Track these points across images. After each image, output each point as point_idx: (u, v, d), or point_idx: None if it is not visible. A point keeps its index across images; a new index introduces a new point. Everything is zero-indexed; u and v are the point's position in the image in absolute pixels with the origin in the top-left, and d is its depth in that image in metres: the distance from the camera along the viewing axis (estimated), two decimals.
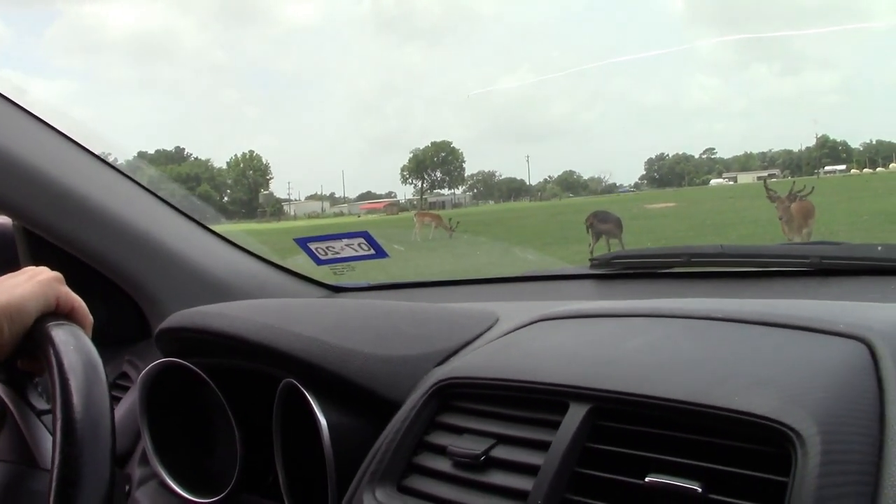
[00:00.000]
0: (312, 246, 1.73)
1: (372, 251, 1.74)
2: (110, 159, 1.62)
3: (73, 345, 0.88)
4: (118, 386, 1.53)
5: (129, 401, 1.39)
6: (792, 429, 0.69)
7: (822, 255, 1.32)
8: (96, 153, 1.59)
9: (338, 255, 1.75)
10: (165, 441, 1.35)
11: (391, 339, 1.20)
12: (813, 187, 11.09)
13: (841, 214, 15.07)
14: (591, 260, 1.65)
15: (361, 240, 1.73)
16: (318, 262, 1.75)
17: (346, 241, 1.73)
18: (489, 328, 1.23)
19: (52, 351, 0.87)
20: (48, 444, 1.00)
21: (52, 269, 1.56)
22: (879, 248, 1.30)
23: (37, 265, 1.55)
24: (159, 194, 1.66)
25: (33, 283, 0.93)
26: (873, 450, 0.68)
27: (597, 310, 1.10)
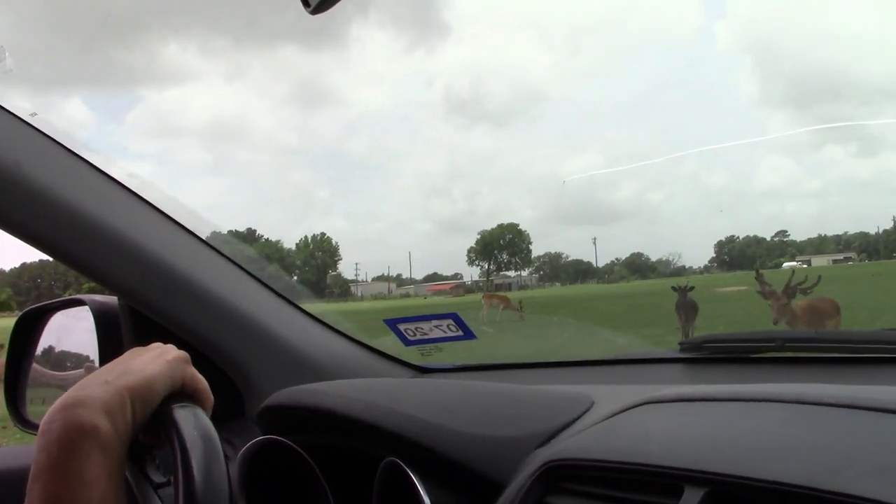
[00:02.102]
0: (402, 327, 1.76)
1: (460, 332, 1.76)
2: None
3: (194, 425, 0.91)
4: None
5: None
6: None
7: None
8: (195, 232, 1.65)
9: (426, 336, 1.77)
10: None
11: (492, 420, 1.21)
12: (819, 277, 8.17)
13: None
14: (680, 344, 1.64)
15: (450, 321, 1.75)
16: (407, 342, 1.78)
17: (435, 322, 1.75)
18: (586, 411, 1.23)
19: (175, 434, 0.90)
20: None
21: None
22: None
23: (139, 344, 1.61)
24: (255, 273, 1.71)
25: (162, 362, 0.95)
26: None
27: (702, 394, 1.09)
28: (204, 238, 1.67)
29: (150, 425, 0.94)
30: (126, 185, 1.55)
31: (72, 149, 1.48)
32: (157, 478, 1.06)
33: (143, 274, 1.50)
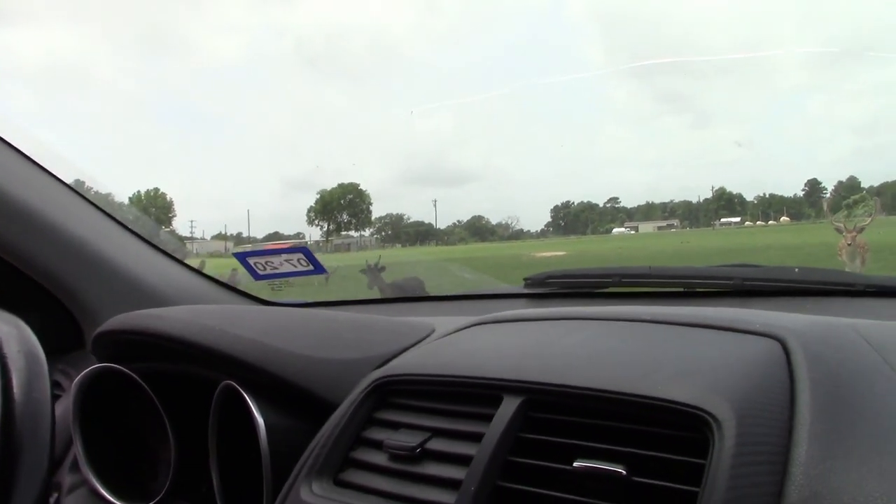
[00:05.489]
0: (251, 260, 1.73)
1: (311, 267, 1.75)
2: None
3: (17, 340, 0.88)
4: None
5: (62, 408, 1.37)
6: (710, 414, 0.76)
7: (744, 276, 1.42)
8: (30, 156, 1.57)
9: (276, 271, 1.74)
10: (98, 448, 1.34)
11: (331, 344, 1.23)
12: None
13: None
14: (525, 279, 1.71)
15: (301, 255, 1.74)
16: (257, 277, 1.75)
17: (285, 256, 1.74)
18: (426, 337, 1.28)
19: None
20: None
21: None
22: (797, 270, 1.41)
23: None
24: (94, 201, 1.65)
25: None
26: (783, 434, 0.75)
27: (529, 314, 1.16)
28: (36, 160, 1.59)
29: None
30: None
31: None
32: None
33: None
